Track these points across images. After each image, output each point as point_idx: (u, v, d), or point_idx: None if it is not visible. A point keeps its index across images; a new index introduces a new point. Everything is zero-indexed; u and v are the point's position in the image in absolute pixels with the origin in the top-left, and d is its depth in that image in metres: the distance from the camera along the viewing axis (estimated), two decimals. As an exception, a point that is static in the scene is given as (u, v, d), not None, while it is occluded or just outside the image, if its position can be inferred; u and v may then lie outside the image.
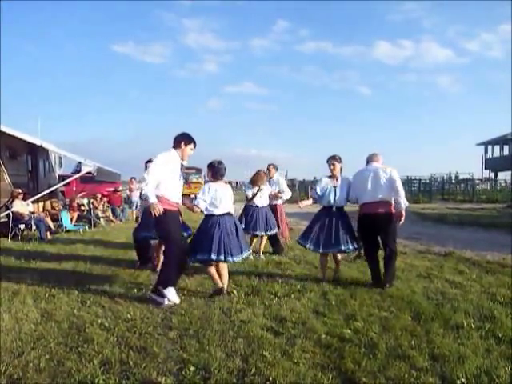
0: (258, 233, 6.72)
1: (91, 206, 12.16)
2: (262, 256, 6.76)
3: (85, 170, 12.31)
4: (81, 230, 10.30)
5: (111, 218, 12.76)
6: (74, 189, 16.47)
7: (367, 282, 5.00)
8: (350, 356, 2.97)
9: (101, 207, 12.84)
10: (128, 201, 14.11)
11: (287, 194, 7.18)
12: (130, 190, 13.59)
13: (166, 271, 4.20)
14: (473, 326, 3.59)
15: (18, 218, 9.04)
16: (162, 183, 4.11)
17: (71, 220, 10.79)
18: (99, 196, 13.27)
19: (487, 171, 40.28)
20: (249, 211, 6.71)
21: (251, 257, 6.61)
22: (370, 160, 5.11)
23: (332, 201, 5.03)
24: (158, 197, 4.05)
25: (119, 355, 2.97)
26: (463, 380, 2.64)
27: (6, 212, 9.13)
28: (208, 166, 4.64)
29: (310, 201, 5.45)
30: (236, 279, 5.15)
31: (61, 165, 17.95)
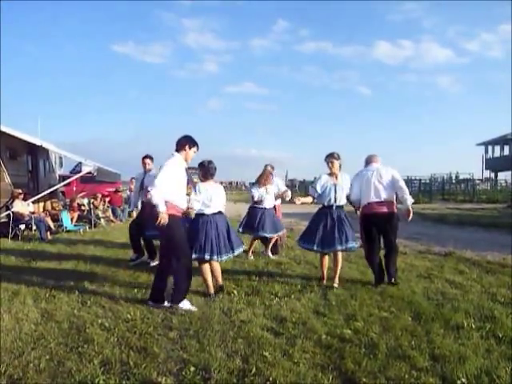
0: (267, 235, 6.61)
1: (91, 206, 12.17)
2: (272, 256, 6.71)
3: (85, 169, 12.33)
4: (81, 230, 10.30)
5: (111, 218, 12.76)
6: (75, 189, 16.47)
7: (367, 282, 5.01)
8: (351, 356, 2.97)
9: (101, 207, 12.85)
10: (128, 201, 14.09)
11: (288, 192, 7.17)
12: (130, 190, 13.56)
13: (178, 290, 4.09)
14: (473, 326, 3.59)
15: (18, 218, 9.05)
16: (170, 190, 4.05)
17: (71, 220, 10.79)
18: (99, 196, 13.27)
19: (487, 171, 40.30)
20: (257, 212, 6.59)
21: (251, 257, 6.61)
22: (369, 161, 5.15)
23: (332, 199, 4.92)
24: (165, 202, 3.97)
25: (119, 355, 2.97)
26: (464, 380, 2.64)
27: (7, 212, 9.15)
28: (198, 165, 4.66)
29: (310, 199, 5.13)
30: (236, 279, 5.16)
31: (61, 165, 17.97)
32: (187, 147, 4.24)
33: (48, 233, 9.14)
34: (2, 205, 9.62)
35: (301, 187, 34.31)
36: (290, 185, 33.60)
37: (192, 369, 2.76)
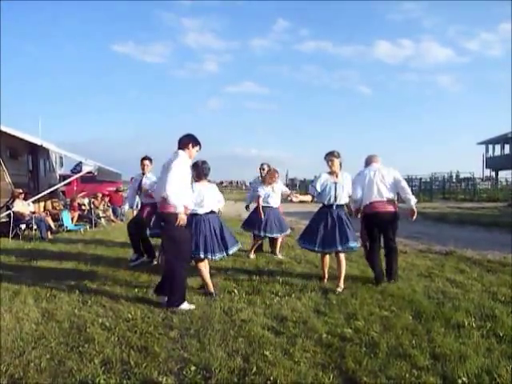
0: (274, 235, 6.59)
1: (92, 205, 12.17)
2: (280, 256, 6.68)
3: (85, 169, 12.32)
4: (81, 229, 10.31)
5: (112, 217, 12.77)
6: (75, 188, 16.48)
7: (368, 281, 5.00)
8: (351, 355, 2.97)
9: (101, 207, 12.85)
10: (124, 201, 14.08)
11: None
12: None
13: (176, 291, 4.06)
14: (474, 325, 3.58)
15: (18, 217, 9.06)
16: (180, 189, 4.04)
17: (72, 220, 10.80)
18: (100, 195, 13.28)
19: (488, 170, 40.26)
20: (263, 212, 6.54)
21: (252, 257, 6.61)
22: (369, 161, 5.17)
23: (332, 198, 4.83)
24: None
25: (120, 355, 2.97)
26: (464, 379, 2.64)
27: (7, 212, 9.15)
28: (192, 165, 4.62)
29: (309, 197, 5.04)
30: (237, 278, 5.16)
31: (61, 164, 17.97)
32: (190, 146, 4.23)
33: (48, 232, 9.15)
34: (2, 204, 9.63)
35: (301, 186, 34.30)
36: (291, 184, 33.63)
37: (193, 368, 2.77)
